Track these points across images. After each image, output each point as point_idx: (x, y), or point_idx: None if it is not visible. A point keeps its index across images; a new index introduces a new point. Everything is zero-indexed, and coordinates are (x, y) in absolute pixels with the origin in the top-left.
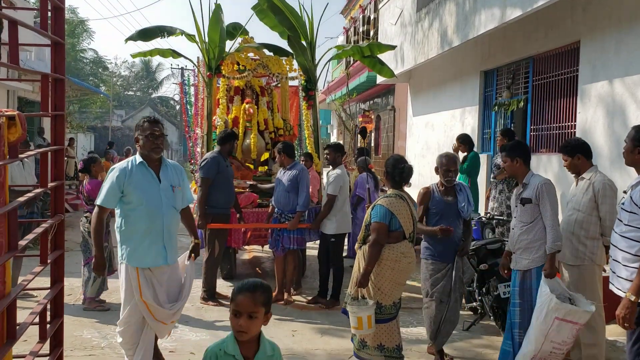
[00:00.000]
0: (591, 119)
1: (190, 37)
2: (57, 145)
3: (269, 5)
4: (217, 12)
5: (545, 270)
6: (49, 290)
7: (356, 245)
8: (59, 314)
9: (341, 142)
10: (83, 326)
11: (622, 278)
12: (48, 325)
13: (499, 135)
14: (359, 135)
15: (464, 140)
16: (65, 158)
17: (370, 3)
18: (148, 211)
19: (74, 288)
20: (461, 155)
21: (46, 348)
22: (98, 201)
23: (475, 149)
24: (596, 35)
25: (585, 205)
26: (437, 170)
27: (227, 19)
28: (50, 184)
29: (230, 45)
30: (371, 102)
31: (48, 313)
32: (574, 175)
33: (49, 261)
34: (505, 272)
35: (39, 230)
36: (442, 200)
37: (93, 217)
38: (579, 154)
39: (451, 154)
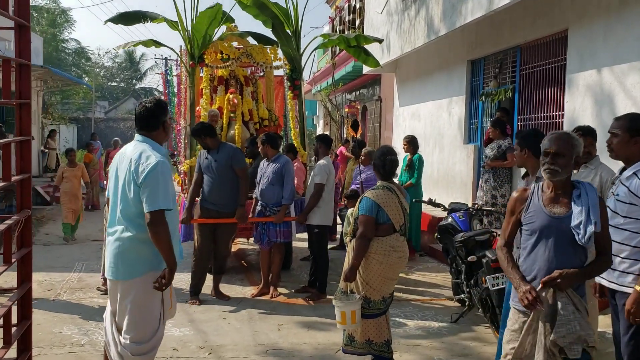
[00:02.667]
0: (579, 108)
1: (173, 25)
2: (22, 136)
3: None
4: (215, 10)
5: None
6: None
7: (347, 238)
8: (27, 316)
9: (327, 133)
10: (63, 322)
11: (618, 271)
12: (14, 329)
13: (490, 126)
14: (349, 128)
15: (410, 141)
16: (46, 150)
17: None
18: (176, 212)
19: (54, 283)
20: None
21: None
22: (163, 205)
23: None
24: (584, 23)
25: None
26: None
27: (209, 5)
28: (14, 178)
29: (214, 34)
30: (357, 92)
31: (16, 315)
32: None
33: (13, 260)
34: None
35: (1, 227)
36: (543, 210)
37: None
38: (525, 148)
39: (563, 133)
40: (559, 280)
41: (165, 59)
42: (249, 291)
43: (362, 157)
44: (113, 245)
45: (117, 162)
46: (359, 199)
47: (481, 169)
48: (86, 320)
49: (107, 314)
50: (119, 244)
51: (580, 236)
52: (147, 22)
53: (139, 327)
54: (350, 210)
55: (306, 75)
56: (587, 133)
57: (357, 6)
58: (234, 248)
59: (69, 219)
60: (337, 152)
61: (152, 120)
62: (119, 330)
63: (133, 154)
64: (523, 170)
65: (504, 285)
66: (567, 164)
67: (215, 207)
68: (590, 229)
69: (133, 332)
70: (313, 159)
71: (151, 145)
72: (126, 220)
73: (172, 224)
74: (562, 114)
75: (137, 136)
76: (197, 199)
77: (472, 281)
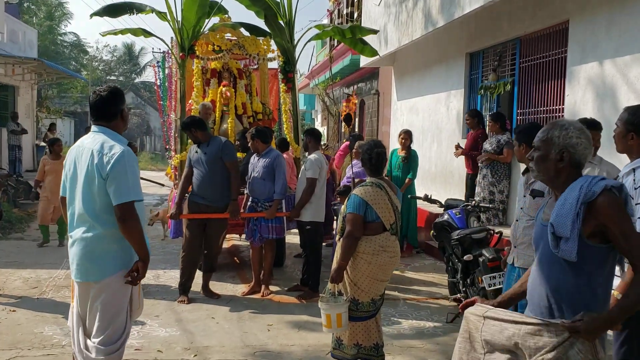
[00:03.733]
0: (580, 102)
1: (162, 15)
2: None
3: None
4: None
5: None
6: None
7: (336, 237)
8: None
9: (325, 127)
10: (45, 322)
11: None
12: None
13: (489, 120)
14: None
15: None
16: (45, 144)
17: None
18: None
19: (40, 280)
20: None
21: None
22: (134, 196)
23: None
24: (586, 14)
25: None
26: None
27: None
28: None
29: (205, 25)
30: (355, 86)
31: None
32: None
33: None
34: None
35: None
36: (539, 216)
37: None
38: (523, 143)
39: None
40: (580, 325)
41: (164, 52)
42: (240, 289)
43: (354, 151)
44: (79, 246)
45: (75, 157)
46: (348, 196)
47: (479, 164)
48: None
49: (73, 321)
50: (84, 243)
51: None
52: (134, 13)
53: (109, 328)
54: (343, 207)
55: (305, 68)
56: (591, 126)
57: None
58: (227, 244)
59: (45, 219)
60: (342, 147)
61: (109, 109)
62: (88, 335)
63: (93, 146)
64: (523, 166)
65: (501, 286)
66: (544, 160)
67: (205, 202)
68: (559, 232)
69: (103, 334)
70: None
71: (111, 136)
72: (91, 217)
73: (141, 215)
74: (563, 108)
75: (94, 127)
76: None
77: (468, 280)
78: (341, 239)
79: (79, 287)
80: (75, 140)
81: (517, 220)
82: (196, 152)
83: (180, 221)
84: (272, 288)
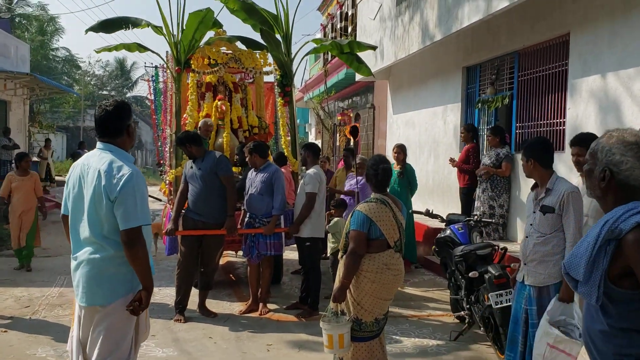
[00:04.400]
0: (582, 115)
1: (157, 30)
2: None
3: (241, 6)
4: (205, 13)
5: (562, 295)
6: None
7: (339, 255)
8: None
9: (319, 141)
10: (38, 343)
11: None
12: None
13: (489, 134)
14: (348, 134)
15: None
16: (38, 159)
17: None
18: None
19: (33, 299)
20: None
21: None
22: (143, 220)
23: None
24: (587, 26)
25: (593, 210)
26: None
27: (196, 9)
28: None
29: (200, 39)
30: (350, 100)
31: None
32: (579, 174)
33: None
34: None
35: None
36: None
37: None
38: (531, 159)
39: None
40: None
41: (156, 67)
42: (236, 307)
43: (358, 168)
44: (85, 269)
45: (80, 175)
46: (351, 213)
47: (478, 178)
48: (62, 343)
49: (73, 346)
50: (91, 266)
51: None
52: (130, 28)
53: (111, 355)
54: (334, 220)
55: (298, 82)
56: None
57: (350, 13)
58: (222, 261)
59: (15, 243)
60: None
61: (115, 124)
62: None
63: (101, 165)
64: (523, 180)
65: (509, 304)
66: (590, 175)
67: (201, 218)
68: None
69: None
70: (303, 167)
71: (118, 155)
72: (99, 238)
73: (147, 240)
74: (564, 122)
75: (99, 144)
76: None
77: (472, 297)
78: (344, 257)
79: (84, 312)
80: (67, 155)
81: (527, 237)
82: (191, 167)
83: (175, 238)
84: (270, 306)
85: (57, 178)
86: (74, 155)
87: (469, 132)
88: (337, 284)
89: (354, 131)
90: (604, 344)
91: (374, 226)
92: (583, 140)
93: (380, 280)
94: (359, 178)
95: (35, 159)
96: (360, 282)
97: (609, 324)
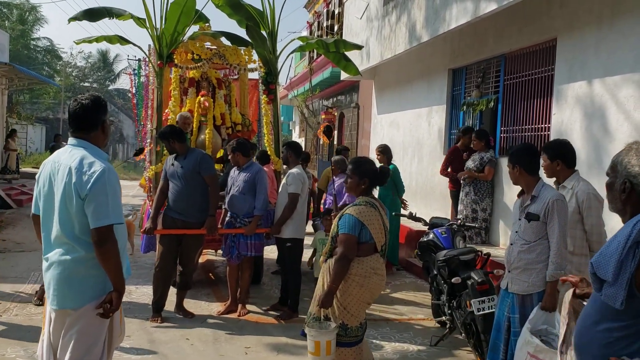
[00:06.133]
0: (567, 121)
1: (140, 22)
2: None
3: (226, 1)
4: (185, 1)
5: (544, 303)
6: None
7: (321, 259)
8: None
9: (303, 139)
10: (7, 344)
11: None
12: None
13: (474, 138)
14: (322, 134)
15: (384, 151)
16: (5, 150)
17: None
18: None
19: (4, 296)
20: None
21: None
22: (114, 219)
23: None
24: (574, 32)
25: (568, 218)
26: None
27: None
28: None
29: (184, 33)
30: (334, 99)
31: None
32: (554, 182)
33: None
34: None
35: None
36: None
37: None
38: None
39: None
40: None
41: (139, 60)
42: (215, 308)
43: (332, 167)
44: (56, 270)
45: (50, 172)
46: (338, 215)
47: (461, 181)
48: (34, 342)
49: (43, 350)
50: (62, 268)
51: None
52: (113, 18)
53: (83, 359)
54: (333, 227)
55: (282, 80)
56: (556, 153)
57: (336, 12)
58: (201, 259)
59: None
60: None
61: (91, 119)
62: None
63: (71, 162)
64: (507, 184)
65: (492, 310)
66: (610, 188)
67: (181, 217)
68: (600, 274)
69: None
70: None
71: (91, 150)
72: (71, 239)
73: (121, 239)
74: (549, 127)
75: (72, 139)
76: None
77: (454, 303)
78: (329, 261)
79: (54, 315)
80: (46, 148)
81: (511, 244)
82: (172, 164)
83: (153, 235)
84: (249, 307)
85: (27, 169)
86: (51, 148)
87: (481, 139)
88: (319, 288)
89: (328, 131)
90: (603, 347)
91: (364, 230)
92: (548, 148)
93: (368, 285)
94: (335, 178)
95: (4, 150)
96: (348, 286)
97: (617, 328)
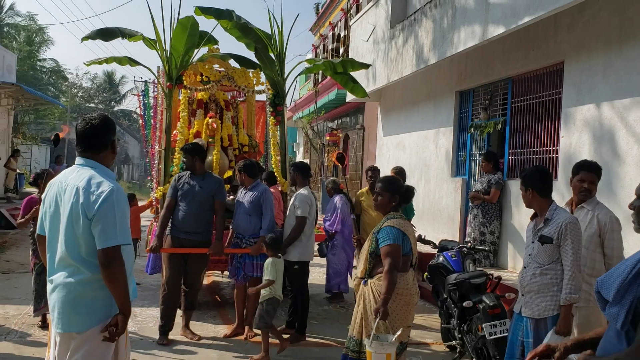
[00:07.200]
0: (576, 144)
1: (150, 43)
2: None
3: (235, 24)
4: (189, 21)
5: (559, 327)
6: None
7: (354, 281)
8: None
9: (307, 160)
10: None
11: None
12: None
13: (482, 160)
14: (335, 161)
15: (399, 172)
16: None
17: (340, 20)
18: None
19: (9, 317)
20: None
21: None
22: (121, 239)
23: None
24: (582, 56)
25: (588, 241)
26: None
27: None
28: None
29: (194, 55)
30: (339, 120)
31: None
32: (569, 205)
33: None
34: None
35: None
36: None
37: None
38: (530, 189)
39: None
40: None
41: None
42: (221, 330)
43: (328, 188)
44: (61, 292)
45: (56, 193)
46: (376, 231)
47: (469, 204)
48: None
49: None
50: (67, 290)
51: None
52: (126, 38)
53: None
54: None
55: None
56: (591, 169)
57: (342, 34)
58: (207, 280)
59: None
60: None
61: (101, 139)
62: None
63: (79, 182)
64: (516, 206)
65: (504, 334)
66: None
67: (188, 236)
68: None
69: None
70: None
71: (99, 170)
72: (76, 260)
73: (127, 261)
74: (557, 149)
75: (79, 159)
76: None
77: (465, 327)
78: (370, 281)
79: (59, 338)
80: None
81: (524, 267)
82: (187, 182)
83: (158, 256)
84: (256, 330)
85: (30, 190)
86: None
87: (490, 161)
88: (359, 311)
89: (341, 158)
90: None
91: (406, 240)
92: (591, 167)
93: (412, 302)
94: (336, 198)
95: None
96: (396, 305)
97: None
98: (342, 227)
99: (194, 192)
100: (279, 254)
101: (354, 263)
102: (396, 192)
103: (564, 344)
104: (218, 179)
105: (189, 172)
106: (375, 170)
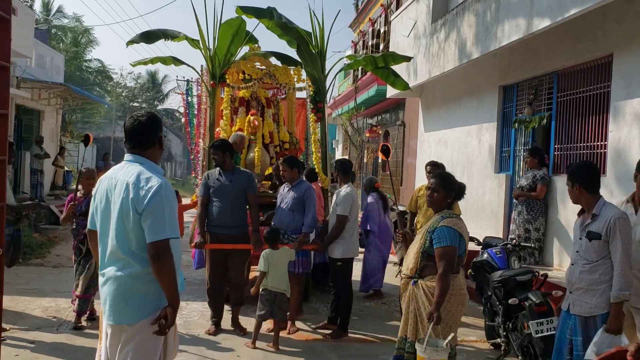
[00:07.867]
0: (625, 138)
1: (194, 43)
2: None
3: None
4: (237, 21)
5: (609, 325)
6: None
7: (401, 280)
8: None
9: (346, 157)
10: (65, 356)
11: None
12: None
13: (527, 155)
14: (380, 153)
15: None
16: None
17: (380, 16)
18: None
19: (60, 310)
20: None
21: None
22: (170, 233)
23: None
24: (632, 47)
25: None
26: None
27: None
28: None
29: (236, 53)
30: (379, 117)
31: None
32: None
33: None
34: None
35: None
36: None
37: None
38: (576, 184)
39: None
40: None
41: (188, 80)
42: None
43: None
44: (112, 286)
45: (107, 189)
46: (424, 230)
47: (513, 200)
48: (89, 355)
49: None
50: (118, 284)
51: None
52: (169, 39)
53: None
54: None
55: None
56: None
57: (382, 30)
58: (251, 276)
59: None
60: None
61: (148, 136)
62: None
63: (129, 178)
64: (562, 202)
65: (551, 332)
66: None
67: (226, 231)
68: None
69: None
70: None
71: (147, 166)
72: (127, 254)
73: (176, 254)
74: (605, 144)
75: (128, 156)
76: None
77: (510, 324)
78: (420, 282)
79: (111, 330)
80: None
81: (572, 264)
82: (218, 179)
83: (203, 251)
84: (298, 324)
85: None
86: (97, 168)
87: (535, 157)
88: (410, 311)
89: (386, 150)
90: None
91: (462, 241)
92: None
93: (465, 302)
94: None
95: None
96: (451, 305)
97: None
98: (372, 226)
99: (226, 188)
100: (277, 246)
101: (395, 258)
102: (452, 189)
103: None
104: (247, 173)
105: (218, 168)
106: (434, 165)
